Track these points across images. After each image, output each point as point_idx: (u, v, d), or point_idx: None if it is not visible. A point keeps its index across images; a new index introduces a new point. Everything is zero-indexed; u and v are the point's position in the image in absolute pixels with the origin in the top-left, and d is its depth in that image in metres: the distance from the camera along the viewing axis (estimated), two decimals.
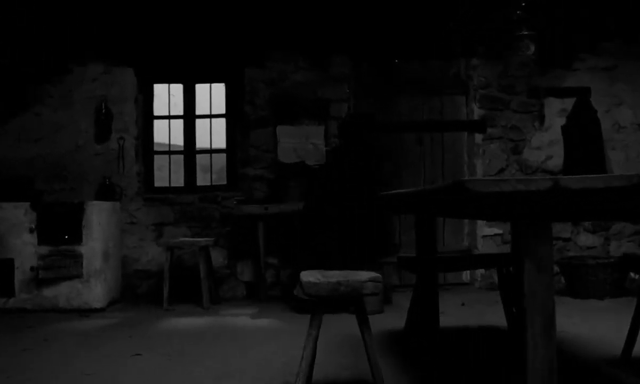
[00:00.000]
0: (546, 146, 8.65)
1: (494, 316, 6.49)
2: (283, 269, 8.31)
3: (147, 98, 8.54)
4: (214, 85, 8.64)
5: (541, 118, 8.63)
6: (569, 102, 8.64)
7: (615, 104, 8.74)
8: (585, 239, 8.67)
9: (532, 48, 7.42)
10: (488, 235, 8.50)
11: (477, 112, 8.58)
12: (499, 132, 8.59)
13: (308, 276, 3.64)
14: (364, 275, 3.61)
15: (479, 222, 8.45)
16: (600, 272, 7.35)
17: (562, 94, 8.66)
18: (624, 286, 7.64)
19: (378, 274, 3.61)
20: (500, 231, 8.50)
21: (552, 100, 8.66)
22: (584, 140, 8.54)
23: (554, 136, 8.62)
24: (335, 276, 3.64)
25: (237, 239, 8.30)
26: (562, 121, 8.61)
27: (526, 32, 7.56)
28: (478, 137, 8.55)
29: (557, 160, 8.62)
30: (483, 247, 8.44)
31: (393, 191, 4.65)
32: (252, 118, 8.37)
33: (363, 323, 3.60)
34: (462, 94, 8.65)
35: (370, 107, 8.49)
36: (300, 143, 8.21)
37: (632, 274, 7.56)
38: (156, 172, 8.70)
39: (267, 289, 7.96)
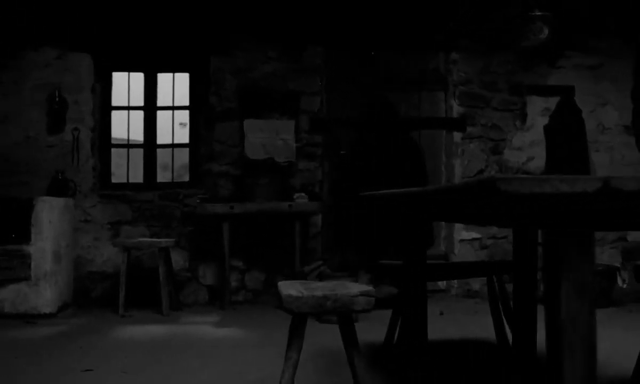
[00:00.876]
0: (527, 146, 8.22)
1: (476, 327, 6.04)
2: (248, 272, 7.77)
3: (105, 87, 7.92)
4: (177, 74, 8.07)
5: (523, 117, 8.20)
6: (552, 101, 8.22)
7: (600, 104, 8.34)
8: None
9: (546, 31, 6.92)
10: (466, 239, 8.05)
11: (457, 109, 8.12)
12: (479, 131, 8.14)
13: (288, 288, 3.12)
14: (354, 288, 3.10)
15: (457, 225, 7.99)
16: None
17: (545, 93, 8.24)
18: (611, 295, 7.23)
19: (370, 287, 3.09)
20: (479, 236, 8.06)
21: (534, 98, 8.24)
22: (567, 141, 8.13)
23: (536, 136, 8.20)
24: (320, 288, 3.12)
25: (200, 240, 7.74)
26: (544, 120, 8.19)
27: (539, 13, 7.07)
28: (457, 136, 8.10)
29: (538, 161, 8.20)
30: (460, 252, 7.99)
31: (382, 191, 4.15)
32: (218, 110, 7.82)
33: (352, 346, 3.08)
34: (441, 89, 8.19)
35: (345, 100, 7.99)
36: (269, 138, 7.68)
37: (620, 283, 7.15)
38: (113, 167, 8.07)
39: (231, 294, 7.41)
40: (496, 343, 5.07)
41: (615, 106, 8.35)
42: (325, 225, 7.94)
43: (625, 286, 7.17)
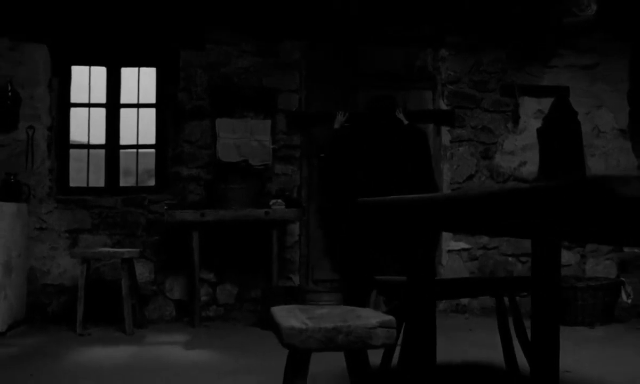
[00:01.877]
0: (520, 150, 7.69)
1: (475, 347, 5.47)
2: (220, 286, 7.12)
3: (64, 82, 7.20)
4: (143, 69, 7.38)
5: (515, 119, 7.67)
6: (546, 103, 7.71)
7: (596, 106, 7.85)
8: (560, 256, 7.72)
9: (594, 7, 6.34)
10: (454, 250, 7.48)
11: (445, 109, 7.56)
12: (469, 133, 7.59)
13: (287, 317, 2.50)
14: (371, 317, 2.49)
15: (445, 234, 7.41)
16: (590, 297, 6.39)
17: (538, 93, 7.73)
18: (614, 312, 6.71)
19: (390, 317, 2.49)
20: (468, 246, 7.50)
21: (527, 99, 7.72)
22: (562, 145, 7.62)
23: (529, 140, 7.67)
24: (326, 316, 2.50)
25: (167, 250, 7.07)
26: (538, 123, 7.68)
27: None
28: (445, 138, 7.54)
29: (531, 167, 7.68)
30: (448, 264, 7.42)
31: (391, 197, 3.55)
32: (188, 109, 7.16)
33: None
34: (429, 88, 7.61)
35: (326, 99, 7.38)
36: (243, 139, 7.04)
37: (624, 298, 6.62)
38: (72, 170, 7.31)
39: (201, 310, 6.76)
40: (505, 368, 4.49)
41: (611, 108, 7.88)
42: (304, 234, 7.32)
43: (630, 301, 6.65)
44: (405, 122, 6.88)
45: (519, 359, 4.33)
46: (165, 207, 6.72)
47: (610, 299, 6.55)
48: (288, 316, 2.54)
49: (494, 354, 4.87)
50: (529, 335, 4.31)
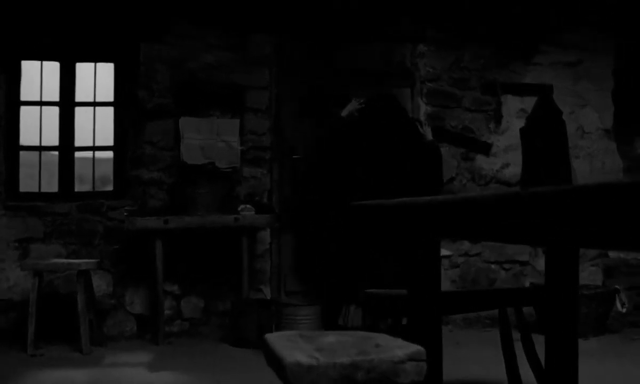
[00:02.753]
0: (502, 151, 7.28)
1: (469, 363, 5.02)
2: (185, 298, 6.58)
3: (12, 78, 6.59)
4: (100, 65, 6.83)
5: (497, 119, 7.26)
6: (529, 101, 7.31)
7: (580, 106, 7.48)
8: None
9: None
10: None
11: (425, 109, 7.12)
12: (449, 134, 7.16)
13: (291, 350, 2.00)
14: (394, 347, 2.00)
15: None
16: (584, 306, 5.99)
17: (521, 92, 7.33)
18: (606, 322, 6.32)
19: (420, 348, 2.00)
20: (449, 253, 7.07)
21: (510, 98, 7.31)
22: (547, 146, 7.22)
23: (511, 140, 7.27)
24: (340, 348, 2.01)
25: (127, 261, 6.51)
26: (521, 123, 7.27)
27: None
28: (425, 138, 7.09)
29: (514, 169, 7.27)
30: None
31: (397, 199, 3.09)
32: (149, 107, 6.61)
33: None
34: (407, 86, 7.15)
35: (298, 96, 6.89)
36: (209, 140, 6.52)
37: (619, 307, 6.23)
38: (22, 174, 6.70)
39: (164, 325, 6.21)
40: None
41: (595, 107, 7.52)
42: (275, 242, 6.81)
43: (624, 310, 6.26)
44: (429, 138, 6.25)
45: (524, 377, 3.90)
46: (125, 213, 6.17)
47: (604, 309, 6.16)
48: (290, 346, 2.04)
49: (493, 372, 4.43)
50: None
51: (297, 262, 6.81)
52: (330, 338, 2.18)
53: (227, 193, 6.52)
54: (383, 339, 2.14)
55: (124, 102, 6.74)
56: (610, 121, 7.54)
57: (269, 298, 6.67)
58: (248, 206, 6.40)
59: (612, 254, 7.48)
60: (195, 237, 6.48)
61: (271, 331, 5.84)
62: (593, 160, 7.49)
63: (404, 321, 3.92)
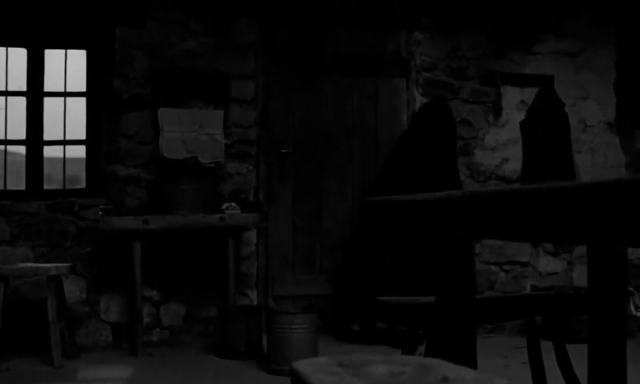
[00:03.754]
0: (502, 146, 6.88)
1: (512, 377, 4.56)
2: (165, 305, 6.08)
3: None
4: (71, 52, 6.29)
5: (497, 111, 6.85)
6: (529, 93, 6.92)
7: (582, 98, 7.10)
8: (547, 263, 6.95)
9: None
10: None
11: (420, 99, 6.68)
12: None
13: (319, 375, 1.53)
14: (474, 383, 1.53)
15: None
16: None
17: (521, 82, 6.93)
18: None
19: (505, 381, 1.53)
20: None
21: (509, 89, 6.91)
22: (548, 140, 6.83)
23: (512, 134, 6.87)
24: (379, 365, 1.54)
25: (102, 264, 5.98)
26: (521, 115, 6.87)
27: None
28: None
29: (515, 164, 6.88)
30: None
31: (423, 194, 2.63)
32: (125, 97, 6.09)
33: None
34: (402, 76, 6.70)
35: (287, 87, 6.43)
36: (191, 133, 6.02)
37: (633, 311, 5.84)
38: None
39: (143, 334, 5.70)
40: None
41: (597, 99, 7.15)
42: (262, 242, 6.34)
43: (639, 313, 5.86)
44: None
45: None
46: (100, 213, 5.65)
47: None
48: (331, 381, 1.56)
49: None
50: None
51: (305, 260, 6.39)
52: (381, 368, 1.71)
53: (212, 190, 6.03)
54: (448, 369, 1.67)
55: (98, 93, 6.21)
56: (612, 114, 7.18)
57: (255, 303, 6.20)
58: (233, 204, 5.92)
59: None
60: (176, 238, 5.98)
61: (261, 341, 5.36)
62: (595, 155, 7.12)
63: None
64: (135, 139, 6.10)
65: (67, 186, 6.43)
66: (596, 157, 7.12)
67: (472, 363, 2.81)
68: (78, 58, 6.30)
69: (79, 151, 6.33)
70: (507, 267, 6.83)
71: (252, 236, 6.29)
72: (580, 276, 6.94)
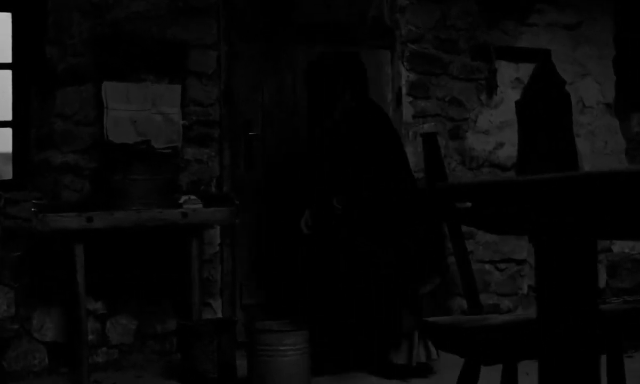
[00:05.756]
0: (496, 128, 6.12)
1: None
2: (112, 319, 5.07)
3: None
4: None
5: (490, 89, 6.07)
6: (525, 69, 6.17)
7: (580, 75, 6.41)
8: None
9: None
10: None
11: (406, 75, 5.84)
12: (435, 107, 5.93)
13: None
14: None
15: None
16: None
17: (516, 57, 6.18)
18: None
19: None
20: None
21: (503, 64, 6.15)
22: (547, 122, 6.08)
23: (506, 116, 6.09)
24: None
25: (34, 272, 4.93)
26: (516, 94, 6.10)
27: None
28: (407, 114, 5.84)
29: (510, 149, 6.12)
30: None
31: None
32: (61, 69, 5.04)
33: None
34: (386, 47, 5.84)
35: (254, 59, 5.49)
36: (142, 111, 5.05)
37: None
38: None
39: (88, 354, 4.68)
40: None
41: (596, 77, 6.50)
42: (228, 243, 5.38)
43: None
44: None
45: None
46: (34, 209, 4.59)
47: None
48: None
49: None
50: None
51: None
52: None
53: (170, 181, 5.05)
54: None
55: (27, 64, 5.16)
56: (612, 94, 6.54)
57: (219, 314, 5.26)
58: (192, 197, 4.95)
59: (616, 248, 6.49)
60: (126, 238, 4.99)
61: (235, 363, 4.41)
62: (594, 139, 6.45)
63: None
64: (73, 120, 5.07)
65: None
66: (595, 142, 6.47)
67: None
68: (2, 22, 5.25)
69: (4, 135, 5.29)
70: (501, 266, 6.10)
71: (215, 234, 5.34)
72: None
